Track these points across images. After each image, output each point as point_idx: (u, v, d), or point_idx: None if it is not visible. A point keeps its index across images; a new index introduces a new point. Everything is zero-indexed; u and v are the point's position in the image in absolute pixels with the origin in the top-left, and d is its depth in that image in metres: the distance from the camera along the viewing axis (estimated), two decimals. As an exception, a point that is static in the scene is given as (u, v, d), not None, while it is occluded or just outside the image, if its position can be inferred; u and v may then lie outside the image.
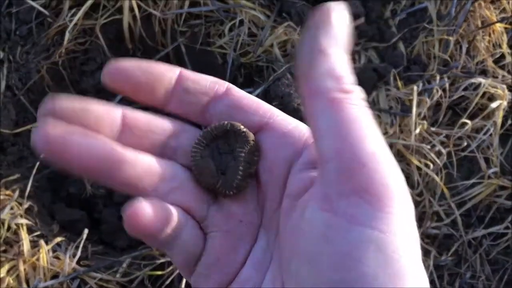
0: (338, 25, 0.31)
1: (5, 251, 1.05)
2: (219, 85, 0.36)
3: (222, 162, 0.36)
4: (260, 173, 0.35)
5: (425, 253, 1.11)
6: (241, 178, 0.34)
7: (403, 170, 1.19)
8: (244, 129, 0.35)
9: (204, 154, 0.35)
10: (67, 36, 1.28)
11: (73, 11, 1.29)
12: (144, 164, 0.33)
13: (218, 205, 0.35)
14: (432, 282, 1.11)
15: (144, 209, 0.31)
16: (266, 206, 0.34)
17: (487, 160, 1.21)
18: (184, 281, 1.03)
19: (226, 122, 0.35)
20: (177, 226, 0.33)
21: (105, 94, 1.35)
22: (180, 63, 1.38)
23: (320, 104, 0.30)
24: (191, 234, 0.34)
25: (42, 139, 0.31)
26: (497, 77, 1.29)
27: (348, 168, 0.28)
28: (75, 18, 1.28)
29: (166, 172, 0.34)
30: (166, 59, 1.38)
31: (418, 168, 1.18)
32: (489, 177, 1.19)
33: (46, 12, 1.30)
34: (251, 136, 0.35)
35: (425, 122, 1.21)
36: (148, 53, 1.36)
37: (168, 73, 0.35)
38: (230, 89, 0.36)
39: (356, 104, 0.30)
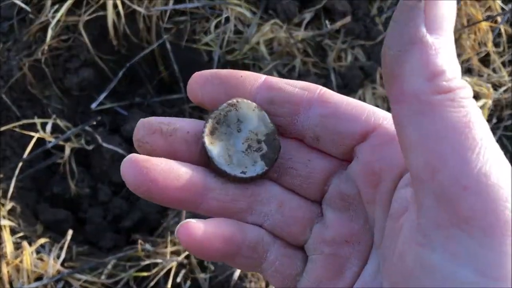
0: (440, 3, 0.25)
1: (-13, 254, 1.03)
2: (309, 91, 0.32)
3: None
4: (364, 188, 0.31)
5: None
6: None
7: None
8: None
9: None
10: (49, 33, 1.26)
11: (55, 7, 1.27)
12: (235, 186, 0.32)
13: (322, 225, 0.32)
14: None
15: (197, 228, 0.30)
16: (375, 225, 0.30)
17: (472, 159, 1.22)
18: (170, 283, 1.03)
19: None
20: (255, 246, 0.31)
21: (89, 92, 1.34)
22: (166, 60, 1.36)
23: (410, 110, 0.24)
24: (281, 255, 0.32)
25: (128, 161, 0.30)
26: (482, 76, 1.29)
27: (445, 192, 0.22)
28: (58, 15, 1.26)
29: (259, 195, 0.32)
30: (151, 56, 1.37)
31: (404, 167, 1.19)
32: (474, 176, 1.20)
33: (28, 8, 1.28)
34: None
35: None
36: (132, 50, 1.34)
37: (250, 80, 0.32)
38: (323, 94, 0.32)
39: (458, 107, 0.23)
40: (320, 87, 0.32)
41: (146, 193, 0.30)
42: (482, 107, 1.24)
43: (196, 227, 0.30)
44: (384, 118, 0.31)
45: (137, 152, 0.32)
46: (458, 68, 0.25)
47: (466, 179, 0.22)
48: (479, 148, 0.23)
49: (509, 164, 0.24)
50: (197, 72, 0.33)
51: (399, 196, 0.28)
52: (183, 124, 0.32)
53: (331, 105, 0.31)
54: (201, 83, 0.32)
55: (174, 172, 0.30)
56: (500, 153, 0.23)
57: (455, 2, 0.25)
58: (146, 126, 0.32)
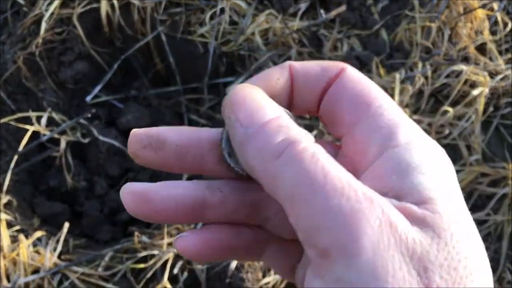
0: (244, 102, 0.29)
1: (-16, 247, 1.03)
2: (330, 71, 0.31)
3: None
4: None
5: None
6: None
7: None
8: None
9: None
10: (43, 25, 1.25)
11: (49, 0, 1.26)
12: (233, 199, 0.32)
13: None
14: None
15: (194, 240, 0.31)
16: None
17: (468, 148, 1.22)
18: (167, 274, 1.03)
19: None
20: (252, 246, 0.33)
21: (85, 84, 1.34)
22: (161, 52, 1.36)
23: (267, 186, 0.28)
24: (277, 250, 0.33)
25: (126, 194, 0.31)
26: (478, 64, 1.29)
27: (307, 235, 0.26)
28: (52, 7, 1.25)
29: (258, 200, 0.33)
30: (146, 49, 1.36)
31: (401, 157, 1.18)
32: (470, 164, 1.20)
33: (21, 1, 1.27)
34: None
35: (407, 110, 1.21)
36: (127, 43, 1.34)
37: (275, 73, 0.32)
38: (342, 72, 0.31)
39: (292, 162, 0.26)
40: (342, 64, 0.32)
41: (148, 219, 0.32)
42: (478, 96, 1.23)
43: (190, 240, 0.31)
44: (375, 110, 0.31)
45: None
46: (283, 131, 0.28)
47: (315, 219, 0.25)
48: (317, 188, 0.25)
49: (351, 188, 0.25)
50: (238, 87, 0.32)
51: None
52: (172, 136, 0.33)
53: (338, 88, 0.31)
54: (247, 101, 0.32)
55: (173, 197, 0.31)
56: (342, 179, 0.26)
57: (257, 92, 0.29)
58: (137, 140, 0.33)
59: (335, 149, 0.32)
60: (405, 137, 0.28)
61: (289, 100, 0.32)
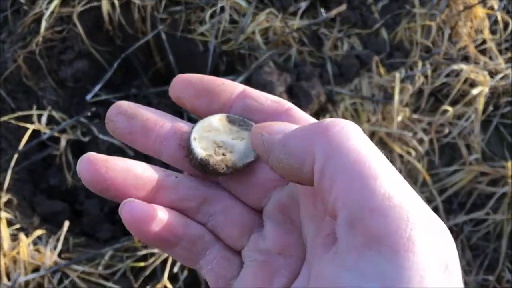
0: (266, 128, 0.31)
1: (-16, 246, 1.03)
2: (280, 104, 0.35)
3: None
4: (304, 204, 0.32)
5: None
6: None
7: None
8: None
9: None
10: (43, 24, 1.25)
11: (49, -2, 1.26)
12: (187, 187, 0.34)
13: (260, 234, 0.34)
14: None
15: (154, 215, 0.32)
16: (307, 241, 0.32)
17: (468, 147, 1.22)
18: (166, 273, 1.03)
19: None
20: (195, 241, 0.33)
21: (84, 83, 1.34)
22: (161, 51, 1.36)
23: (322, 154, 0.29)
24: (219, 256, 0.33)
25: (86, 161, 0.32)
26: (478, 63, 1.29)
27: (356, 218, 0.25)
28: (52, 6, 1.25)
29: (208, 195, 0.34)
30: (147, 47, 1.36)
31: (400, 156, 1.19)
32: (470, 164, 1.20)
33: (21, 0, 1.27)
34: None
35: (407, 109, 1.21)
36: (127, 41, 1.33)
37: (230, 88, 0.35)
38: (290, 109, 0.34)
39: (353, 140, 0.28)
40: (289, 104, 0.34)
41: (104, 190, 0.32)
42: (478, 95, 1.23)
43: (139, 207, 0.32)
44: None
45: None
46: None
47: (372, 204, 0.25)
48: (381, 175, 0.26)
49: (409, 186, 0.26)
50: (181, 75, 0.35)
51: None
52: (146, 112, 0.35)
53: (292, 120, 0.33)
54: (184, 85, 0.35)
55: (132, 172, 0.32)
56: (400, 176, 0.26)
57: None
58: (117, 106, 0.35)
59: None
60: None
61: (225, 111, 0.35)
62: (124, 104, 0.35)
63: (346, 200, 0.26)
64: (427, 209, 0.26)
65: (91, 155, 0.32)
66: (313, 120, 0.34)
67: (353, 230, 0.25)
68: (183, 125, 0.35)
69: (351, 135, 0.28)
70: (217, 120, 0.35)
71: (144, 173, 0.32)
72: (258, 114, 0.34)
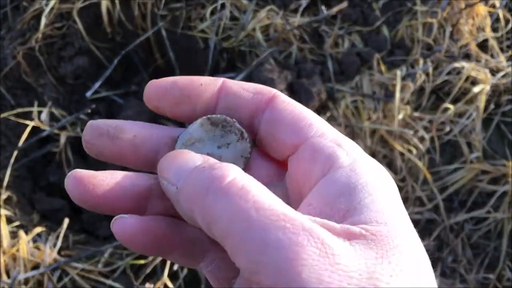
0: (163, 172, 0.30)
1: (-17, 243, 1.03)
2: (263, 95, 0.32)
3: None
4: (293, 202, 0.31)
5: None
6: None
7: (386, 156, 1.19)
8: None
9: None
10: (43, 20, 1.25)
11: (49, -6, 1.26)
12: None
13: None
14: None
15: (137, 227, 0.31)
16: None
17: (469, 145, 1.22)
18: (166, 271, 1.03)
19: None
20: (192, 246, 0.32)
21: (84, 80, 1.33)
22: (161, 47, 1.35)
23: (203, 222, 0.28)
24: (219, 257, 0.32)
25: (72, 179, 0.31)
26: (480, 61, 1.29)
27: (248, 274, 0.25)
28: (51, 2, 1.25)
29: None
30: (147, 44, 1.36)
31: (401, 154, 1.18)
32: (471, 162, 1.20)
33: (21, -5, 1.26)
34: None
35: (408, 107, 1.21)
36: (127, 38, 1.33)
37: (210, 87, 0.33)
38: (273, 99, 0.32)
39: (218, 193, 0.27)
40: (274, 91, 0.32)
41: (93, 206, 0.31)
42: (479, 93, 1.23)
43: (130, 222, 0.30)
44: (316, 131, 0.31)
45: None
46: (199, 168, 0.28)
47: (255, 257, 0.24)
48: (252, 224, 0.25)
49: (288, 219, 0.25)
50: (153, 81, 0.33)
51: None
52: (130, 127, 0.33)
53: (275, 111, 0.32)
54: (160, 93, 0.33)
55: (120, 185, 0.31)
56: (276, 210, 0.25)
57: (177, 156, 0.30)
58: (94, 128, 0.32)
59: (278, 168, 0.33)
60: (348, 158, 0.29)
61: (209, 112, 0.33)
62: (102, 124, 0.32)
63: (235, 259, 0.25)
64: (312, 230, 0.25)
65: (77, 172, 0.31)
66: (298, 109, 0.32)
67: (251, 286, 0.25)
68: (174, 132, 0.33)
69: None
70: (197, 128, 0.33)
71: (133, 184, 0.31)
72: (243, 111, 0.33)
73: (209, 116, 0.33)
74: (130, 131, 0.32)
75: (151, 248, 0.31)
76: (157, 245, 0.31)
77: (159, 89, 0.32)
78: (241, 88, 0.33)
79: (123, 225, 0.30)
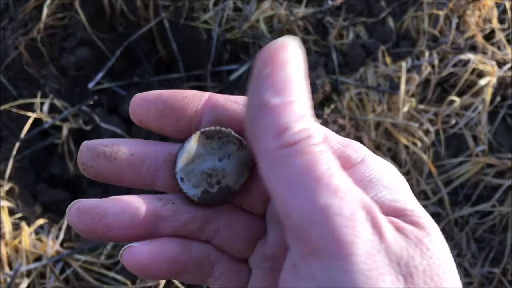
0: (284, 65, 0.27)
1: (-14, 234, 1.03)
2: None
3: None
4: None
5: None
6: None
7: (390, 149, 1.18)
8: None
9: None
10: (45, 11, 1.23)
11: (51, -16, 1.24)
12: (186, 211, 0.32)
13: (264, 240, 0.33)
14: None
15: (141, 252, 0.30)
16: None
17: (475, 138, 1.21)
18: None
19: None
20: (200, 263, 0.32)
21: (86, 71, 1.32)
22: (164, 38, 1.34)
23: (266, 165, 0.27)
24: (227, 270, 0.33)
25: (75, 211, 0.30)
26: (486, 53, 1.27)
27: (299, 229, 0.26)
28: (53, -8, 1.23)
29: (210, 214, 0.32)
30: (149, 35, 1.34)
31: (406, 147, 1.17)
32: (476, 155, 1.19)
33: (22, -15, 1.25)
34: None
35: (413, 99, 1.19)
36: (130, 28, 1.32)
37: (194, 101, 0.32)
38: None
39: (303, 154, 0.26)
40: None
41: (101, 237, 0.30)
42: (486, 85, 1.22)
43: (140, 251, 0.30)
44: None
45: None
46: (305, 120, 0.27)
47: (312, 215, 0.25)
48: (323, 186, 0.25)
49: (353, 194, 0.26)
50: (138, 94, 0.32)
51: None
52: (128, 146, 0.32)
53: None
54: (144, 106, 0.32)
55: (127, 212, 0.30)
56: (346, 184, 0.26)
57: (300, 64, 0.27)
58: (90, 149, 0.32)
59: None
60: (357, 155, 0.30)
61: (194, 126, 0.32)
62: (98, 145, 0.32)
63: (289, 213, 0.26)
64: (367, 218, 0.26)
65: (80, 204, 0.30)
66: None
67: (298, 241, 0.26)
68: (171, 148, 0.33)
69: None
70: (193, 144, 0.32)
71: (139, 210, 0.31)
72: (232, 123, 0.32)
73: (202, 129, 0.32)
74: (128, 150, 0.32)
75: (164, 274, 0.31)
76: (169, 270, 0.31)
77: (143, 102, 0.32)
78: (228, 100, 0.32)
79: (135, 255, 0.30)
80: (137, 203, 0.31)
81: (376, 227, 0.26)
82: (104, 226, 0.30)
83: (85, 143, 0.32)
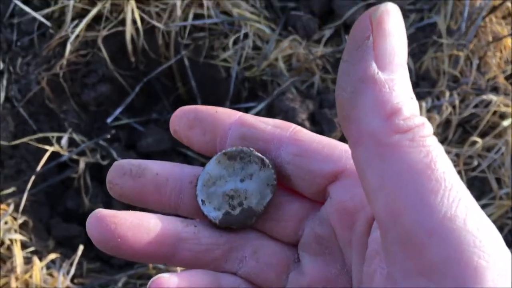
0: (390, 35, 0.23)
1: (-3, 268, 1.02)
2: (282, 129, 0.31)
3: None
4: (339, 230, 0.30)
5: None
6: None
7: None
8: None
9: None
10: (68, 47, 1.26)
11: (75, 22, 1.28)
12: (209, 235, 0.31)
13: (299, 271, 0.31)
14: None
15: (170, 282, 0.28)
16: (353, 268, 0.29)
17: (498, 180, 1.17)
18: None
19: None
20: None
21: (106, 107, 1.33)
22: (183, 76, 1.35)
23: (368, 153, 0.23)
24: None
25: (94, 217, 0.30)
26: (508, 94, 1.25)
27: (410, 238, 0.21)
28: (77, 30, 1.26)
29: (234, 242, 0.31)
30: (169, 72, 1.36)
31: (427, 188, 1.14)
32: (500, 198, 1.15)
33: (48, 23, 1.29)
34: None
35: (434, 139, 1.17)
36: (150, 66, 1.34)
37: (223, 116, 0.32)
38: (296, 132, 0.31)
39: (418, 147, 0.22)
40: (294, 125, 0.31)
41: (115, 249, 0.29)
42: (508, 127, 1.19)
43: (169, 282, 0.29)
44: None
45: None
46: (415, 105, 0.23)
47: (430, 224, 0.21)
48: (443, 190, 0.22)
49: (477, 206, 0.22)
50: (181, 107, 0.33)
51: (374, 237, 0.27)
52: (153, 166, 0.32)
53: (303, 143, 0.30)
54: (179, 116, 0.33)
55: (144, 226, 0.29)
56: (467, 193, 0.22)
57: (404, 36, 0.24)
58: (118, 167, 0.32)
59: (310, 202, 0.32)
60: None
61: (219, 141, 0.32)
62: (126, 164, 0.32)
63: (398, 215, 0.22)
64: (497, 235, 0.22)
65: (99, 212, 0.30)
66: (324, 140, 0.31)
67: (406, 253, 0.21)
68: (197, 171, 0.32)
69: None
70: (215, 165, 0.32)
71: (157, 226, 0.30)
72: (258, 143, 0.31)
73: (224, 151, 0.32)
74: (153, 169, 0.31)
75: None
76: None
77: (180, 113, 0.33)
78: (258, 120, 0.32)
79: (163, 285, 0.28)
80: (156, 219, 0.30)
81: (498, 256, 0.22)
82: (118, 236, 0.29)
83: (117, 162, 0.32)
